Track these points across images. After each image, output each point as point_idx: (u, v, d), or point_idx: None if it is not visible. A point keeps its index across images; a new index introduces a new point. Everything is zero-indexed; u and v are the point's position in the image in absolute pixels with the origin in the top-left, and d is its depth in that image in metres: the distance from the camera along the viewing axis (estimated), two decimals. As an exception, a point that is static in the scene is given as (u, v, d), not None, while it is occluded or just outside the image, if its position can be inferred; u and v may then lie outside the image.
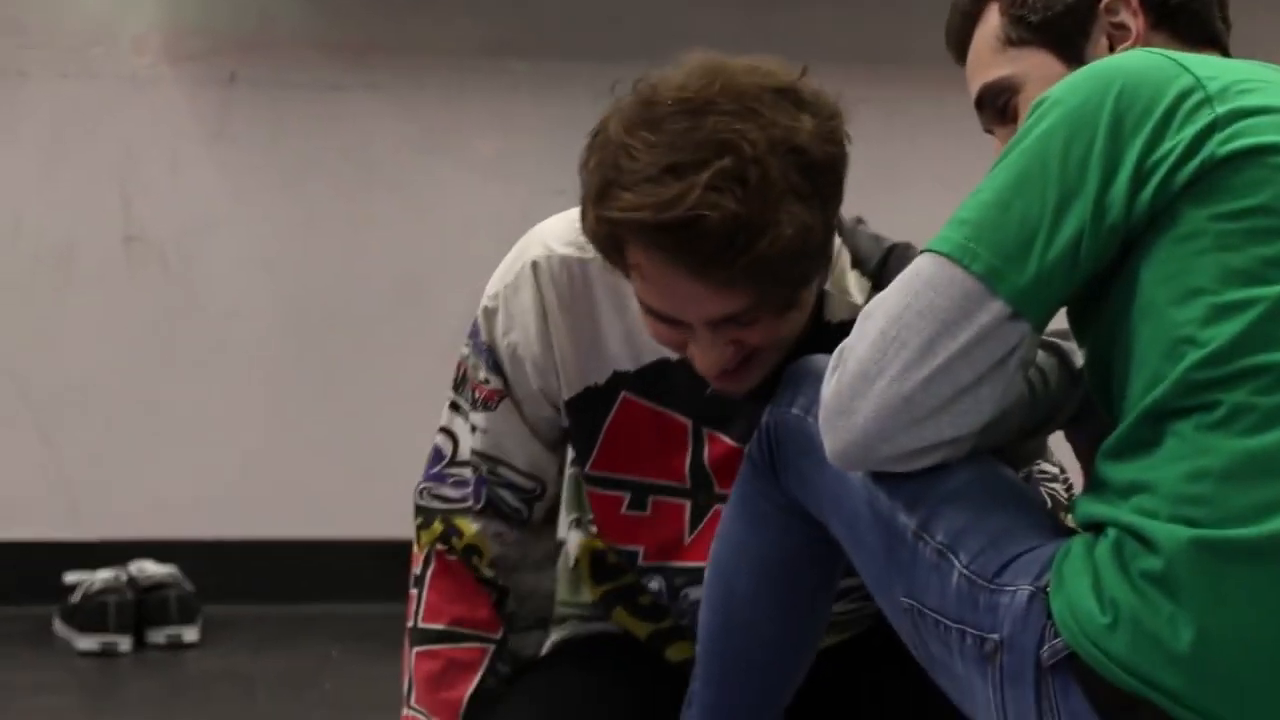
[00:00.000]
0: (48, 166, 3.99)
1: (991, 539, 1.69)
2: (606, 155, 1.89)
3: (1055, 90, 1.72)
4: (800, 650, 1.99)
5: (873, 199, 2.24)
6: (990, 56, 2.01)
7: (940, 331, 1.66)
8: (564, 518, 2.29)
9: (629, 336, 2.12)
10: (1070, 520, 1.86)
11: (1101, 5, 1.97)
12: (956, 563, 1.69)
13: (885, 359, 1.67)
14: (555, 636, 2.33)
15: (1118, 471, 1.65)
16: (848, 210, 2.02)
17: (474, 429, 2.19)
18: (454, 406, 2.21)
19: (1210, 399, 1.60)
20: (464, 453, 2.20)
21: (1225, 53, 1.98)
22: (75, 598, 3.75)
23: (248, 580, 4.05)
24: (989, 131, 2.05)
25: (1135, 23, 1.96)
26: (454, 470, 2.21)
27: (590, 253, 2.06)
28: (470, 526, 2.20)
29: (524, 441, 2.18)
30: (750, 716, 2.01)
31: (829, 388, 1.71)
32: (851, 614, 2.21)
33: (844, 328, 1.95)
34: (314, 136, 4.06)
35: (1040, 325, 1.69)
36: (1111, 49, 1.95)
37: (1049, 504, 2.10)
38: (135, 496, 4.05)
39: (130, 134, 4.01)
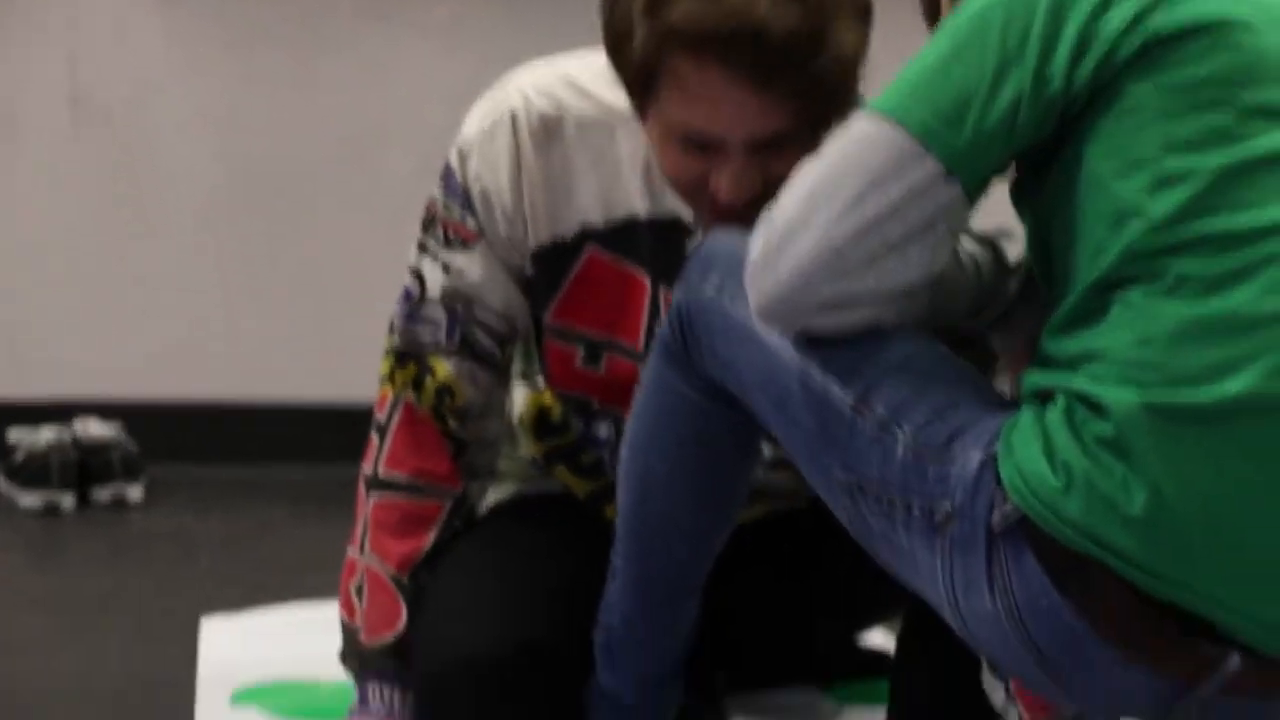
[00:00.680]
0: (-8, 25, 3.96)
1: (936, 410, 1.69)
2: None
3: None
4: (716, 526, 1.99)
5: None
6: None
7: (871, 186, 1.67)
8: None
9: (601, 192, 2.12)
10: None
11: None
12: (901, 434, 1.70)
13: (814, 212, 1.68)
14: (495, 496, 2.35)
15: (1065, 345, 1.66)
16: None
17: (447, 268, 2.18)
18: (422, 248, 2.20)
19: (1157, 268, 1.61)
20: (434, 293, 2.19)
21: None
22: (19, 455, 3.74)
23: (193, 441, 4.05)
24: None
25: None
26: (425, 310, 2.20)
27: (570, 98, 2.07)
28: (444, 367, 2.20)
29: (500, 281, 2.18)
30: (669, 590, 2.03)
31: (756, 245, 1.71)
32: (789, 484, 2.23)
33: None
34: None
35: (972, 191, 1.69)
36: None
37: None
38: (80, 356, 4.04)
39: (76, -7, 3.98)
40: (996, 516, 1.63)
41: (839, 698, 2.51)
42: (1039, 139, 1.70)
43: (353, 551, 2.22)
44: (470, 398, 2.21)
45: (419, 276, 2.20)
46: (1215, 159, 1.62)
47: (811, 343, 1.75)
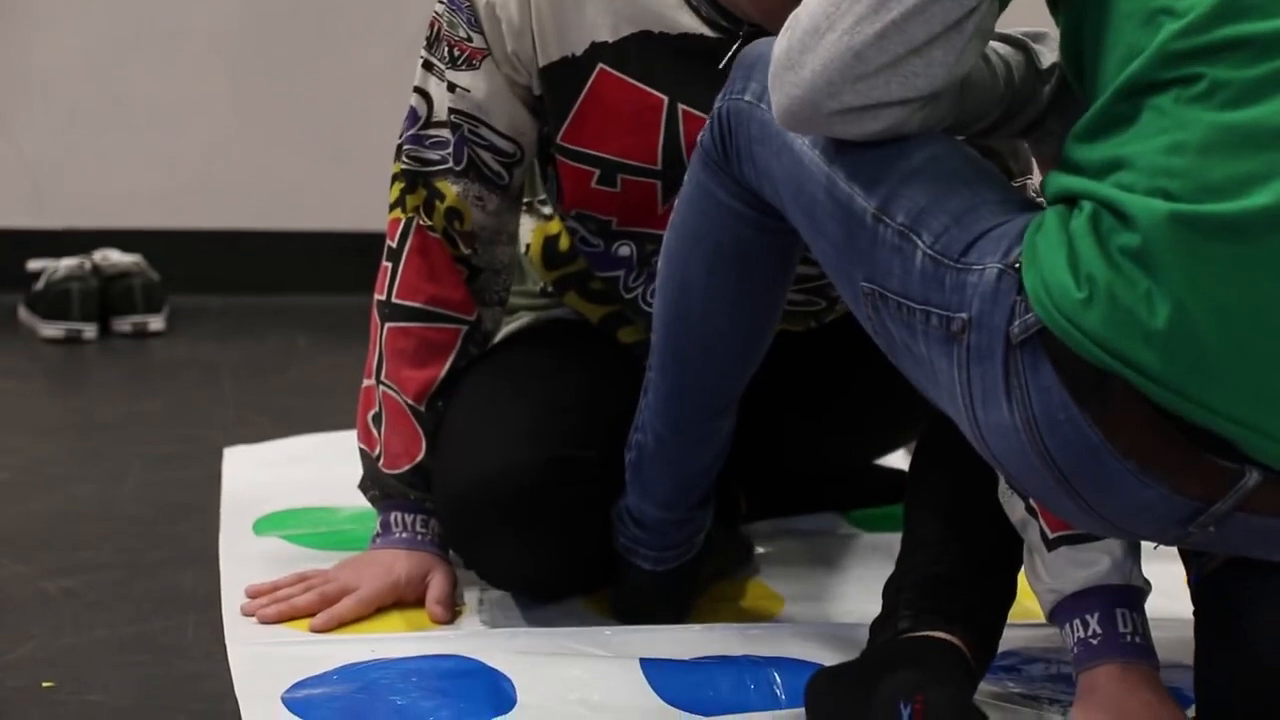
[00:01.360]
0: None
1: (955, 217, 1.67)
2: None
3: None
4: (755, 339, 1.98)
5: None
6: None
7: None
8: None
9: (611, 4, 2.08)
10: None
11: None
12: (920, 243, 1.68)
13: (837, 13, 1.65)
14: (509, 326, 2.33)
15: (1092, 151, 1.63)
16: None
17: (452, 87, 2.15)
18: (427, 65, 2.17)
19: (1190, 71, 1.58)
20: (440, 112, 2.16)
21: None
22: (39, 285, 3.74)
23: (213, 270, 4.04)
24: None
25: None
26: (432, 131, 2.17)
27: None
28: (451, 189, 2.17)
29: (506, 101, 2.14)
30: (704, 402, 2.02)
31: (779, 48, 1.69)
32: (800, 305, 2.21)
33: None
34: None
35: None
36: None
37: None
38: (99, 185, 4.02)
39: None
40: (1015, 327, 1.61)
41: (860, 523, 2.50)
42: None
43: (368, 380, 2.21)
44: (479, 220, 2.18)
45: (425, 95, 2.17)
46: None
47: (837, 151, 1.74)
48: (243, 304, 3.99)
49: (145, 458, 2.85)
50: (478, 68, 2.13)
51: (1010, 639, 1.99)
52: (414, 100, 2.18)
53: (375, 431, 2.20)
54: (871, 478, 2.56)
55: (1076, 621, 1.81)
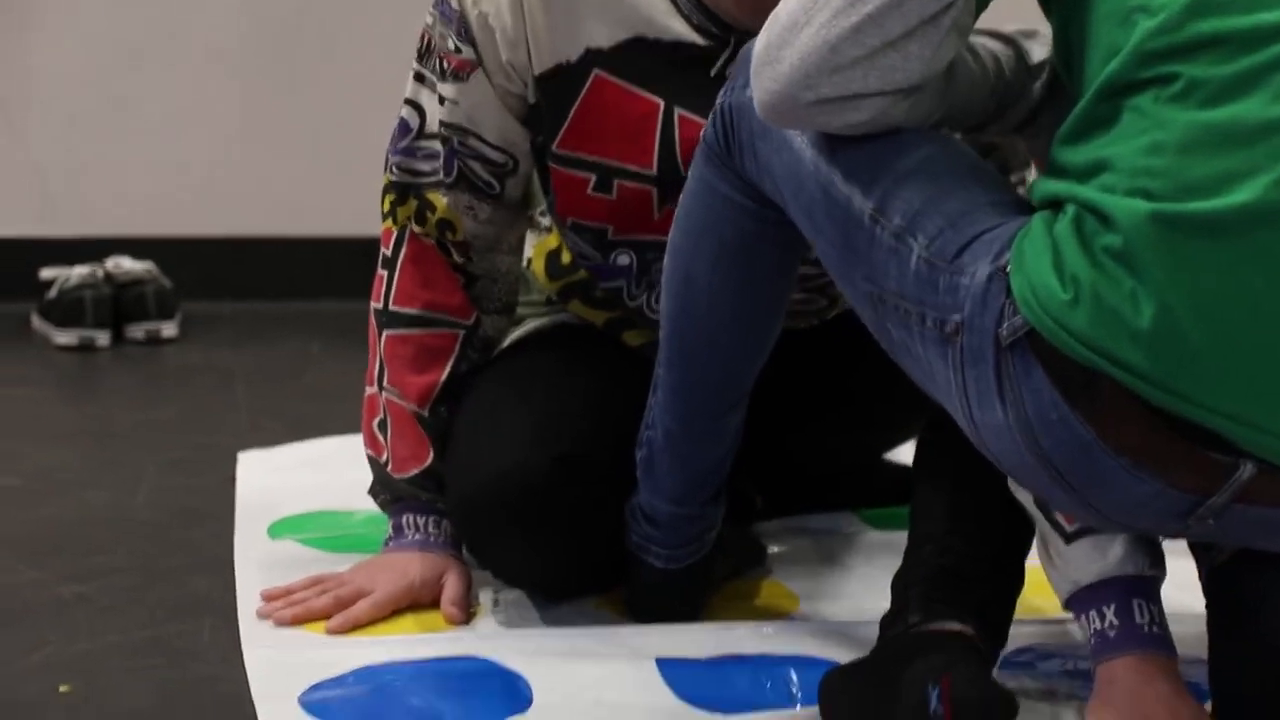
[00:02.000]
0: None
1: (950, 220, 1.68)
2: None
3: None
4: (761, 333, 1.98)
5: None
6: None
7: None
8: None
9: (605, 10, 2.08)
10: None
11: None
12: (915, 245, 1.68)
13: (814, 8, 1.66)
14: (515, 333, 2.33)
15: (1076, 154, 1.64)
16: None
17: (443, 100, 2.15)
18: (419, 77, 2.17)
19: (1167, 71, 1.59)
20: (432, 125, 2.16)
21: None
22: (52, 293, 3.74)
23: (226, 277, 4.04)
24: None
25: None
26: (423, 143, 2.18)
27: None
28: (442, 200, 2.18)
29: (495, 113, 2.14)
30: (712, 397, 2.02)
31: (759, 44, 1.70)
32: (802, 304, 2.21)
33: None
34: None
35: None
36: None
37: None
38: (110, 193, 4.03)
39: None
40: (1005, 329, 1.62)
41: (873, 521, 2.50)
42: None
43: (371, 388, 2.22)
44: (472, 229, 2.19)
45: (418, 107, 2.18)
46: None
47: (834, 151, 1.74)
48: (255, 310, 3.99)
49: (159, 464, 2.85)
50: (465, 80, 2.13)
51: (1026, 634, 1.99)
52: (405, 112, 2.18)
53: (381, 438, 2.21)
54: (884, 475, 2.56)
55: (1093, 613, 1.81)
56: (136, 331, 3.74)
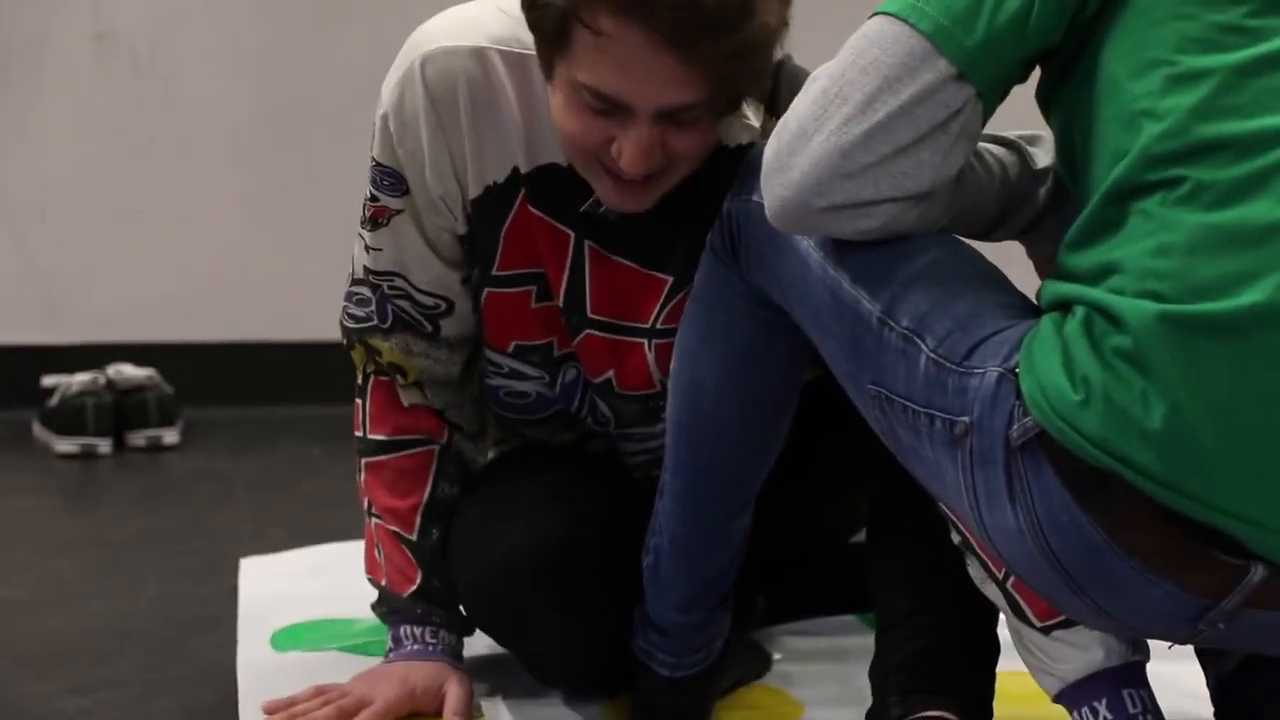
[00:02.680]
0: (15, -37, 3.94)
1: (959, 321, 1.68)
2: None
3: None
4: (768, 437, 1.99)
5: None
6: None
7: (883, 87, 1.65)
8: None
9: (525, 133, 2.07)
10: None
11: None
12: (923, 347, 1.69)
13: (825, 114, 1.66)
14: (491, 455, 2.35)
15: (1083, 258, 1.64)
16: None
17: (368, 249, 2.17)
18: (361, 223, 2.20)
19: (1173, 174, 1.59)
20: (359, 271, 2.19)
21: None
22: (53, 401, 3.74)
23: (227, 382, 4.04)
24: None
25: None
26: (356, 289, 2.20)
27: (485, 41, 2.04)
28: (383, 344, 2.20)
29: (421, 257, 2.15)
30: (720, 501, 2.02)
31: (769, 150, 1.71)
32: None
33: (741, 151, 1.98)
34: (285, -71, 4.00)
35: (986, 93, 1.68)
36: None
37: None
38: (112, 299, 4.03)
39: (98, -72, 3.95)
40: (1015, 430, 1.62)
41: (874, 625, 2.48)
42: (1053, 41, 1.69)
43: (365, 514, 2.23)
44: (421, 368, 2.21)
45: (353, 259, 2.20)
46: (1229, 57, 1.60)
47: (840, 254, 1.75)
48: (256, 415, 3.99)
49: (161, 573, 2.85)
50: (384, 225, 2.14)
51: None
52: (353, 259, 2.21)
53: (379, 561, 2.22)
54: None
55: (1086, 710, 1.82)
56: (138, 439, 3.74)
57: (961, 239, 1.79)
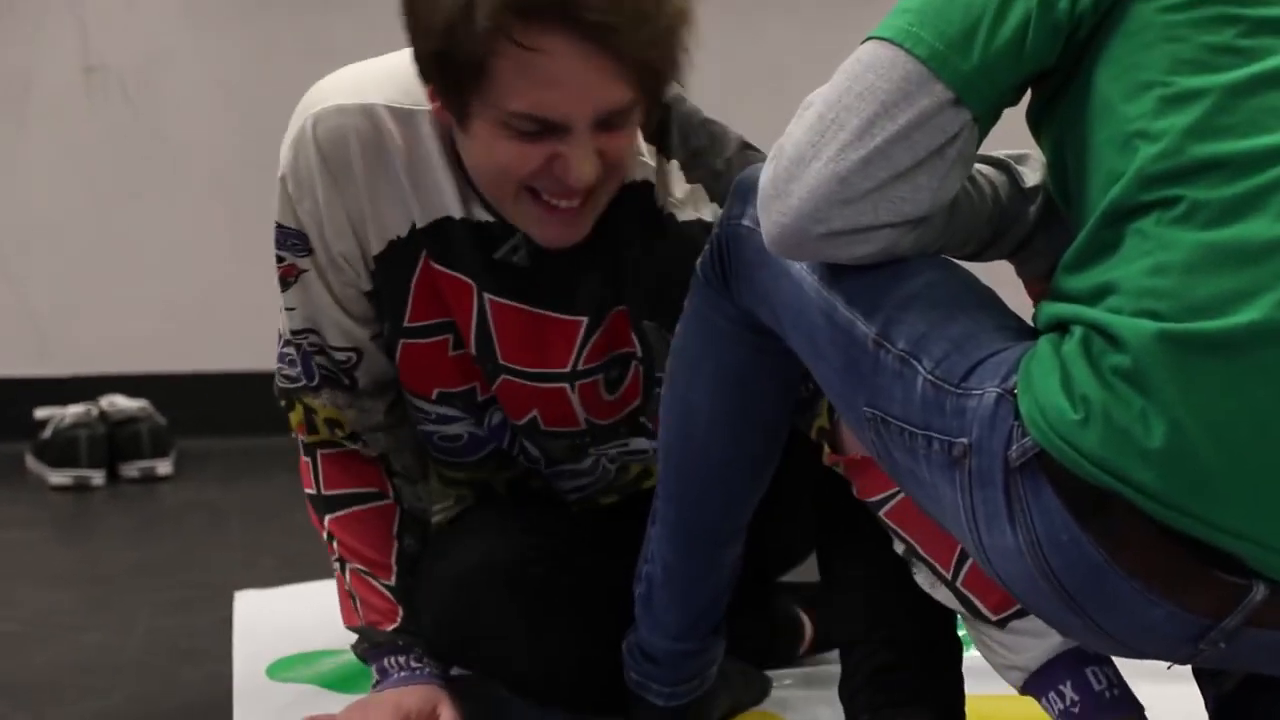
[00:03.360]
0: (3, -2, 3.94)
1: (955, 343, 1.68)
2: None
3: None
4: (761, 461, 1.98)
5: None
6: None
7: (880, 113, 1.65)
8: None
9: (414, 189, 2.07)
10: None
11: None
12: (920, 369, 1.68)
13: (822, 140, 1.66)
14: (446, 515, 2.35)
15: (1080, 280, 1.64)
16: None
17: (285, 309, 2.18)
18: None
19: (1169, 194, 1.59)
20: (285, 331, 2.20)
21: None
22: (46, 433, 3.74)
23: (220, 413, 4.03)
24: None
25: None
26: (285, 349, 2.21)
27: (375, 98, 2.05)
28: (314, 401, 2.20)
29: (331, 314, 2.16)
30: (713, 527, 2.02)
31: (765, 176, 1.70)
32: None
33: (638, 186, 2.02)
34: (273, -38, 4.01)
35: (982, 117, 1.68)
36: None
37: None
38: (104, 331, 4.03)
39: (86, -38, 3.95)
40: (1014, 451, 1.62)
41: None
42: (1047, 64, 1.69)
43: (335, 567, 2.23)
44: (353, 420, 2.21)
45: (280, 318, 2.21)
46: (1222, 77, 1.60)
47: (836, 277, 1.75)
48: (249, 445, 3.97)
49: (154, 605, 2.84)
50: (293, 283, 2.16)
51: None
52: (281, 321, 2.22)
53: (356, 609, 2.22)
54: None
55: (1053, 694, 1.84)
56: (131, 470, 3.74)
57: (954, 261, 1.79)
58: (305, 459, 2.25)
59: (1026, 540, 1.62)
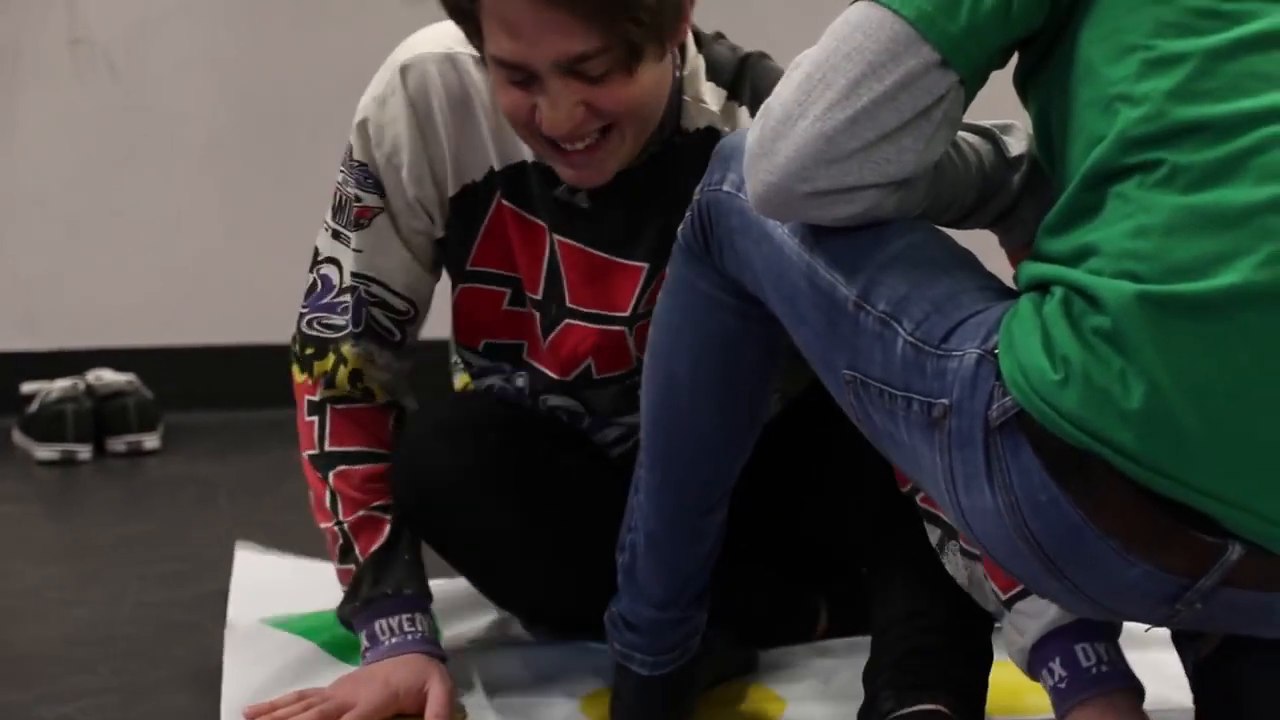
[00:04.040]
0: (-12, -31, 3.93)
1: (936, 305, 1.68)
2: None
3: None
4: (744, 429, 1.98)
5: None
6: None
7: (867, 73, 1.65)
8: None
9: (496, 133, 2.13)
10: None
11: None
12: (900, 330, 1.69)
13: (809, 100, 1.66)
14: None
15: (1062, 242, 1.64)
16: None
17: (354, 251, 2.20)
18: (335, 234, 2.23)
19: (1151, 157, 1.59)
20: (346, 278, 2.21)
21: None
22: (33, 407, 3.73)
23: (208, 387, 4.03)
24: None
25: None
26: (338, 298, 2.22)
27: (459, 47, 2.10)
28: (350, 350, 2.22)
29: (400, 259, 2.20)
30: (696, 495, 2.02)
31: (753, 135, 1.70)
32: None
33: (700, 135, 2.05)
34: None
35: (968, 79, 1.68)
36: None
37: None
38: (91, 304, 4.02)
39: (72, -67, 3.94)
40: (994, 410, 1.62)
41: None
42: (1034, 27, 1.69)
43: (327, 523, 2.23)
44: (374, 376, 2.24)
45: (335, 263, 2.22)
46: (1205, 41, 1.61)
47: (818, 239, 1.75)
48: (238, 419, 3.98)
49: (142, 579, 2.84)
50: (369, 226, 2.19)
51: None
52: (325, 270, 2.23)
53: (350, 563, 2.22)
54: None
55: (1044, 672, 1.86)
56: (118, 444, 3.73)
57: (936, 225, 1.79)
58: (310, 419, 2.25)
59: (1005, 501, 1.62)
